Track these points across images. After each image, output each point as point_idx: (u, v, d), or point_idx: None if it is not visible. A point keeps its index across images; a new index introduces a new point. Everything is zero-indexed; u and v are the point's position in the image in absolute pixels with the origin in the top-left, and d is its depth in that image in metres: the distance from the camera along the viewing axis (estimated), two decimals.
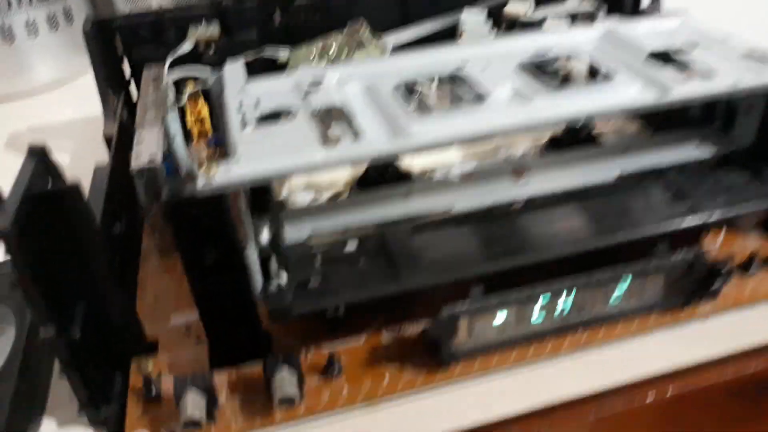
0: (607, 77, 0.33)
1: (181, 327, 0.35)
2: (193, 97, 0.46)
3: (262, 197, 0.32)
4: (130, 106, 0.48)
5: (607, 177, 0.36)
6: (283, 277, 0.28)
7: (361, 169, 0.37)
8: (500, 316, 0.31)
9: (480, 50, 0.37)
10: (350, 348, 0.33)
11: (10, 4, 0.62)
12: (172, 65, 0.44)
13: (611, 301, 0.32)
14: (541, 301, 0.31)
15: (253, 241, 0.29)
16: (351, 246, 0.32)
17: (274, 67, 0.45)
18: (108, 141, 0.46)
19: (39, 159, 0.29)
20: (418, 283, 0.30)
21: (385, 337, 0.33)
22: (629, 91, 0.32)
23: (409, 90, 0.33)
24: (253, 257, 0.28)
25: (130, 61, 0.50)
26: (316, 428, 0.30)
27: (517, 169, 0.36)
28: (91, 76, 0.48)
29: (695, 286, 0.33)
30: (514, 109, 0.31)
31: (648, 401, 0.32)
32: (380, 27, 0.47)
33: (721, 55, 0.34)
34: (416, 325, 0.33)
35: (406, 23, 0.49)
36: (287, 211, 0.34)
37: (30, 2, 0.63)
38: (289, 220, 0.33)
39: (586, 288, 0.31)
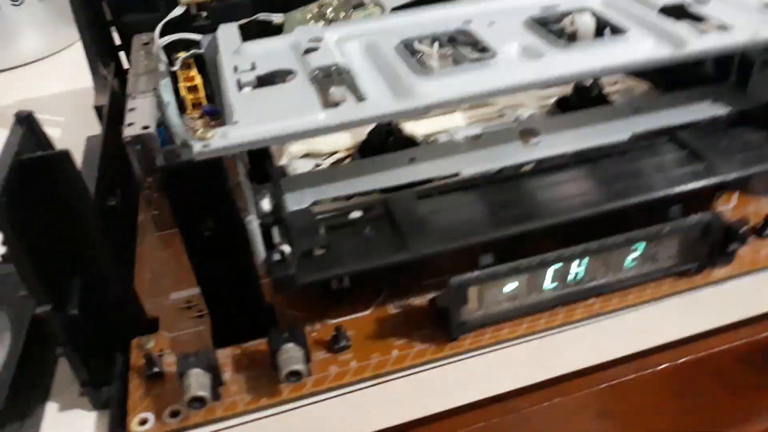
0: (619, 32, 0.32)
1: (182, 302, 0.34)
2: (186, 64, 0.45)
3: (261, 165, 0.31)
4: (121, 76, 0.47)
5: (619, 138, 0.34)
6: (286, 247, 0.27)
7: (362, 136, 0.36)
8: (511, 285, 0.30)
9: (484, 7, 0.36)
10: (357, 320, 0.32)
11: None
12: (163, 32, 0.42)
13: (625, 266, 0.31)
14: (552, 268, 0.30)
15: (253, 209, 0.27)
16: (355, 214, 0.31)
17: (268, 32, 0.43)
18: (99, 112, 0.44)
19: (27, 126, 0.28)
20: (425, 251, 0.29)
21: (393, 308, 0.32)
22: (643, 46, 0.31)
23: (412, 49, 0.32)
24: (254, 227, 0.26)
25: (119, 29, 0.48)
26: (324, 404, 0.29)
27: (526, 132, 0.35)
28: (80, 46, 0.47)
29: (711, 249, 0.32)
30: (524, 66, 0.30)
31: (659, 368, 0.31)
32: None
33: (737, 7, 0.33)
34: (424, 296, 0.33)
35: None
36: (288, 177, 0.33)
37: None
38: (290, 187, 0.32)
39: (598, 254, 0.30)
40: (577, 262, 0.30)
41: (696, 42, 0.30)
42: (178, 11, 0.43)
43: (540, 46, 0.31)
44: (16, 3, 0.62)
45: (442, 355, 0.30)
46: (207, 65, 0.37)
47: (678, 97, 0.37)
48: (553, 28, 0.33)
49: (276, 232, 0.27)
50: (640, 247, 0.31)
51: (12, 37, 0.64)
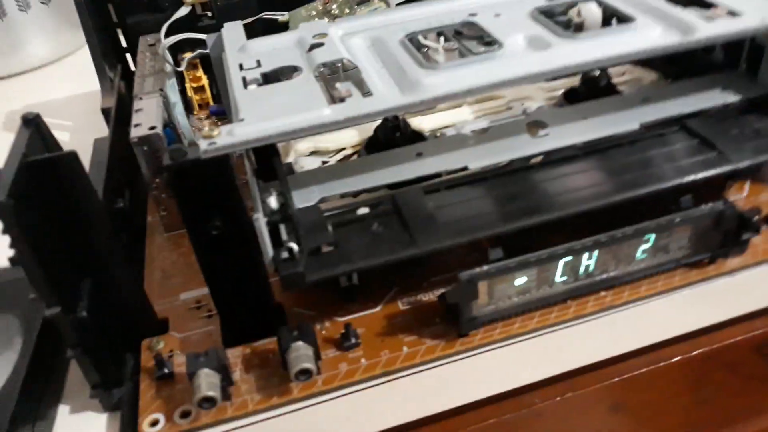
0: (626, 21, 0.31)
1: (191, 302, 0.34)
2: (192, 64, 0.45)
3: (268, 162, 0.30)
4: (128, 78, 0.47)
5: (628, 128, 0.34)
6: (294, 245, 0.27)
7: (368, 132, 0.36)
8: (521, 279, 0.30)
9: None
10: (366, 317, 0.32)
11: None
12: (168, 32, 0.43)
13: (636, 257, 0.31)
14: (563, 261, 0.30)
15: (260, 207, 0.27)
16: (363, 210, 0.30)
17: (273, 30, 0.43)
18: (106, 114, 0.44)
19: (34, 128, 0.28)
20: (434, 247, 0.29)
21: (402, 304, 0.32)
22: (651, 34, 0.30)
23: (418, 43, 0.32)
24: (261, 225, 0.26)
25: (124, 31, 0.48)
26: (335, 402, 0.29)
27: (533, 124, 0.34)
28: (87, 50, 0.47)
29: (724, 239, 0.32)
30: (531, 57, 0.29)
31: (673, 361, 0.31)
32: None
33: None
34: (434, 291, 0.32)
35: None
36: (295, 175, 0.33)
37: None
38: (297, 184, 0.31)
39: (609, 246, 0.30)
40: (587, 254, 0.30)
41: (705, 29, 0.29)
42: (183, 11, 0.43)
43: (547, 36, 0.31)
44: (23, 9, 0.62)
45: (452, 351, 0.30)
46: (213, 64, 0.37)
47: (687, 86, 0.37)
48: (559, 19, 0.33)
49: (284, 230, 0.27)
50: (652, 238, 0.31)
51: (20, 42, 0.64)
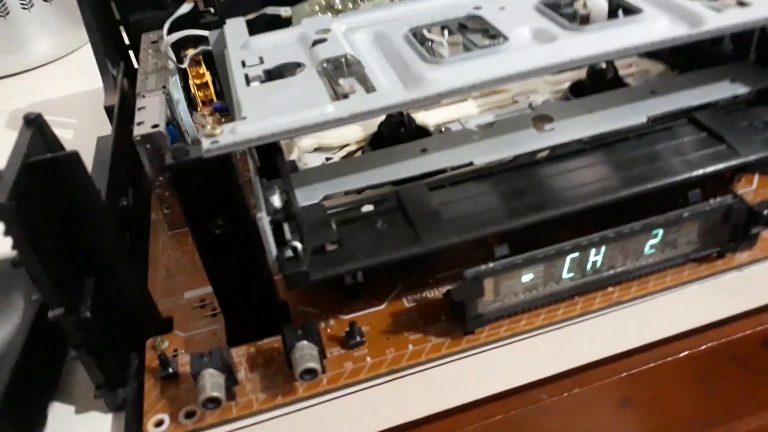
0: (633, 13, 0.31)
1: (196, 301, 0.33)
2: (195, 61, 0.44)
3: (271, 160, 0.30)
4: (131, 75, 0.47)
5: (636, 121, 0.34)
6: (298, 243, 0.27)
7: (372, 128, 0.35)
8: (527, 275, 0.29)
9: None
10: (371, 315, 0.31)
11: None
12: (171, 29, 0.42)
13: (644, 253, 0.31)
14: (569, 257, 0.29)
15: (264, 206, 0.27)
16: (367, 207, 0.30)
17: (276, 25, 0.43)
18: (109, 112, 0.44)
19: (36, 128, 0.28)
20: (439, 244, 0.29)
21: (407, 302, 0.32)
22: (658, 26, 0.30)
23: (422, 37, 0.31)
24: (264, 223, 0.26)
25: (127, 29, 0.48)
26: (340, 401, 0.29)
27: (539, 118, 0.34)
28: (90, 47, 0.47)
29: (733, 233, 0.31)
30: (537, 50, 0.29)
31: (681, 355, 0.31)
32: None
33: None
34: (439, 289, 0.32)
35: None
36: (299, 172, 0.32)
37: None
38: (301, 182, 0.31)
39: (617, 241, 0.30)
40: (594, 250, 0.30)
41: (713, 19, 0.29)
42: (185, 8, 0.43)
43: (552, 29, 0.30)
44: (26, 7, 0.62)
45: (458, 348, 0.30)
46: (215, 61, 0.37)
47: (695, 78, 0.36)
48: (565, 11, 0.33)
49: (287, 229, 0.27)
50: (660, 233, 0.30)
51: (23, 40, 0.64)
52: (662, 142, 0.33)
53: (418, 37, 0.32)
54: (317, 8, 0.44)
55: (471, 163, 0.32)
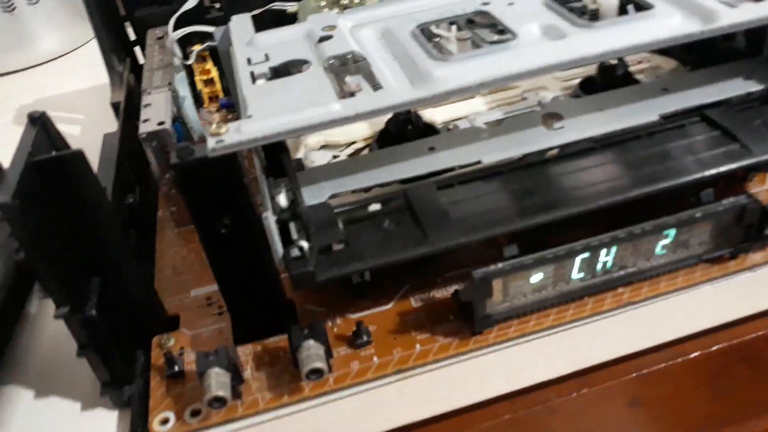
0: (644, 8, 0.30)
1: (202, 299, 0.33)
2: (201, 57, 0.44)
3: (278, 158, 0.30)
4: (138, 71, 0.46)
5: (647, 119, 0.33)
6: (304, 243, 0.27)
7: (380, 125, 0.35)
8: (536, 276, 0.29)
9: None
10: (378, 315, 0.31)
11: None
12: (176, 25, 0.42)
13: (655, 253, 0.30)
14: (579, 258, 0.29)
15: (269, 205, 0.27)
16: (374, 206, 0.30)
17: (282, 21, 0.43)
18: (116, 108, 0.44)
19: (40, 127, 0.28)
20: (447, 244, 0.28)
21: (415, 302, 0.32)
22: (670, 22, 0.29)
23: (430, 33, 0.31)
24: (270, 223, 0.26)
25: (133, 24, 0.48)
26: (346, 400, 0.29)
27: (549, 116, 0.34)
28: (96, 42, 0.47)
29: (746, 234, 0.31)
30: (547, 47, 0.28)
31: (692, 356, 0.30)
32: None
33: None
34: (447, 288, 0.32)
35: None
36: (305, 171, 0.32)
37: None
38: (307, 181, 0.31)
39: (627, 242, 0.29)
40: (605, 251, 0.29)
41: (727, 15, 0.28)
42: (191, 3, 0.43)
43: (562, 25, 0.30)
44: (32, 2, 0.62)
45: (466, 349, 0.29)
46: (221, 58, 0.36)
47: (708, 75, 0.35)
48: (574, 7, 0.32)
49: (293, 228, 0.27)
50: (672, 233, 0.30)
51: (29, 36, 0.64)
52: (674, 140, 0.32)
53: (426, 33, 0.31)
54: (323, 3, 0.43)
55: (479, 162, 0.32)
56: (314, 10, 0.43)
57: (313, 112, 0.26)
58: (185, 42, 0.43)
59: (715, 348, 0.31)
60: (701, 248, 0.31)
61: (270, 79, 0.29)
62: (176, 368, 0.29)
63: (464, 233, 0.28)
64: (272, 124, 0.26)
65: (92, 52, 0.50)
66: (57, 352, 0.33)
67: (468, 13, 0.33)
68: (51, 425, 0.30)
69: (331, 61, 0.30)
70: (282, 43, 0.32)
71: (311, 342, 0.27)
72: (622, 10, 0.33)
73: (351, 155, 0.35)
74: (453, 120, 0.36)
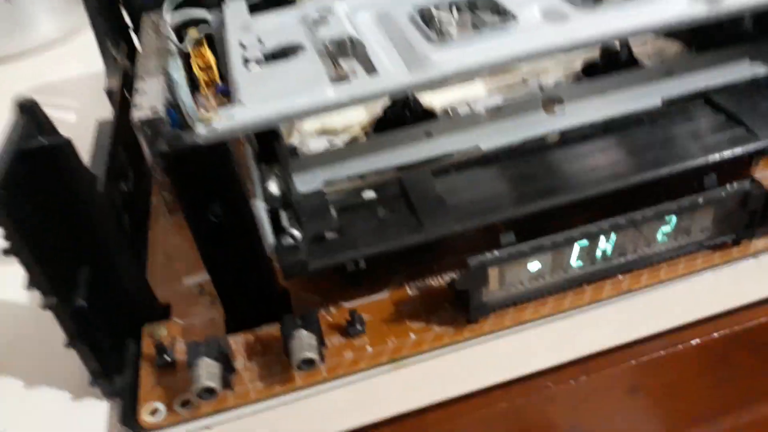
0: None
1: (194, 288, 0.33)
2: (198, 42, 0.43)
3: (270, 144, 0.29)
4: (134, 57, 0.46)
5: (650, 103, 0.32)
6: (296, 231, 0.26)
7: (377, 110, 0.34)
8: (533, 264, 0.28)
9: None
10: (372, 304, 0.31)
11: None
12: (172, 9, 0.41)
13: (657, 240, 0.30)
14: (578, 245, 0.28)
15: (260, 192, 0.26)
16: (369, 193, 0.29)
17: (279, 4, 0.42)
18: (110, 95, 0.44)
19: (29, 115, 0.27)
20: (443, 231, 0.28)
21: (410, 290, 0.31)
22: (675, 3, 0.28)
23: (429, 15, 0.30)
24: (260, 211, 0.25)
25: (128, 9, 0.47)
26: (339, 390, 0.28)
27: (549, 100, 0.33)
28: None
29: (750, 220, 0.30)
30: (548, 29, 0.28)
31: (693, 343, 0.30)
32: None
33: None
34: (443, 276, 0.31)
35: None
36: (298, 158, 0.32)
37: None
38: (300, 167, 0.30)
39: (627, 229, 0.29)
40: (604, 238, 0.29)
41: None
42: None
43: (563, 7, 0.29)
44: None
45: (461, 338, 0.29)
46: (215, 42, 0.36)
47: (713, 58, 0.35)
48: None
49: (284, 216, 0.26)
50: (673, 220, 0.29)
51: (26, 21, 0.63)
52: (678, 125, 0.32)
53: (425, 15, 0.31)
54: None
55: (477, 147, 0.31)
56: None
57: (306, 98, 0.26)
58: (182, 26, 0.42)
59: (716, 335, 0.30)
60: (703, 234, 0.30)
61: (263, 63, 0.29)
62: (167, 358, 0.29)
63: (460, 221, 0.28)
64: (264, 110, 0.25)
65: (90, 37, 0.49)
66: (45, 341, 0.33)
67: None
68: (39, 415, 0.30)
69: (326, 46, 0.29)
70: (276, 27, 0.31)
71: (303, 332, 0.27)
72: None
73: (346, 142, 0.35)
74: (452, 105, 0.35)
